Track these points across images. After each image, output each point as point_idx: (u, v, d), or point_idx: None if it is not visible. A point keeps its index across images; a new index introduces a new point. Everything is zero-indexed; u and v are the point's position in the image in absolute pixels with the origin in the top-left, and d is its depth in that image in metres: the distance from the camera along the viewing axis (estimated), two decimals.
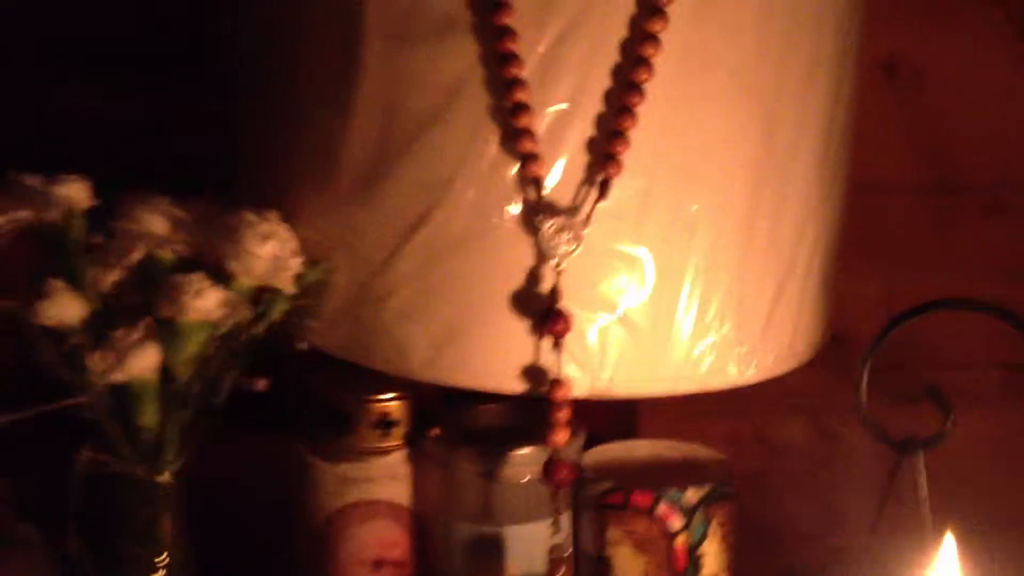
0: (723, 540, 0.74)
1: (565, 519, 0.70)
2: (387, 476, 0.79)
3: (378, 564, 0.80)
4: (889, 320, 0.74)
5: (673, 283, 0.69)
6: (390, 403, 0.79)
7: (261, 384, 0.72)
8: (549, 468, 0.68)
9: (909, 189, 0.99)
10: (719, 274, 0.69)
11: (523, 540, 0.74)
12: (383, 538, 0.79)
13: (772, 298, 0.72)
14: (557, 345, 0.67)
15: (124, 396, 0.66)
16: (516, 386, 0.69)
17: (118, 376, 0.64)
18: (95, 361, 0.64)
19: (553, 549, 0.69)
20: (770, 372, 0.73)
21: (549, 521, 0.70)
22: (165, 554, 0.69)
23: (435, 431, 0.78)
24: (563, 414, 0.67)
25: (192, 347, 0.65)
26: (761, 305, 0.72)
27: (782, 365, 0.74)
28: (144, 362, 0.64)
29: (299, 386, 0.86)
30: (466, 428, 0.77)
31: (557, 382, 0.67)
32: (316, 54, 0.70)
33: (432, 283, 0.68)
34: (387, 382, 0.79)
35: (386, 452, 0.79)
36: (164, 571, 0.68)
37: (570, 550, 0.69)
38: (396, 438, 0.79)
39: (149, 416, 0.66)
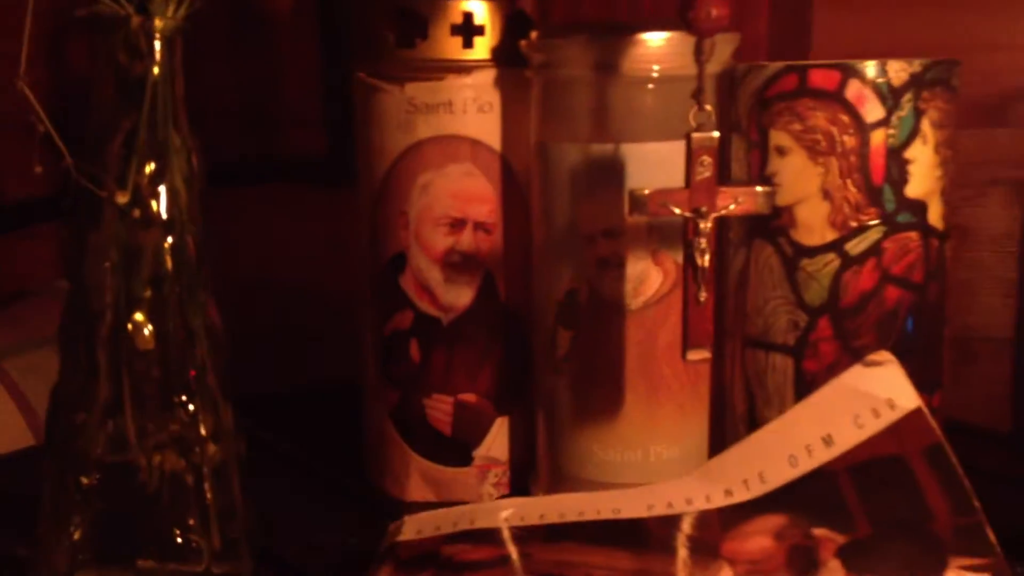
0: (938, 149, 0.52)
1: (710, 102, 0.49)
2: (470, 103, 0.59)
3: (457, 224, 0.60)
4: None
5: None
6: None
7: None
8: (691, 2, 0.47)
9: None
10: None
11: (648, 163, 0.54)
12: (465, 189, 0.60)
13: None
14: None
15: None
16: None
17: None
18: None
19: (697, 130, 0.48)
20: None
21: (682, 141, 0.49)
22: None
23: (535, 32, 0.57)
24: None
25: None
26: None
27: None
28: None
29: None
30: (576, 28, 0.57)
31: None
32: None
33: None
34: None
35: (468, 69, 0.59)
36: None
37: (716, 141, 0.48)
38: (482, 50, 0.59)
39: None
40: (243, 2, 0.93)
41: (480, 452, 0.61)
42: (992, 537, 0.42)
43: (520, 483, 0.62)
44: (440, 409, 0.61)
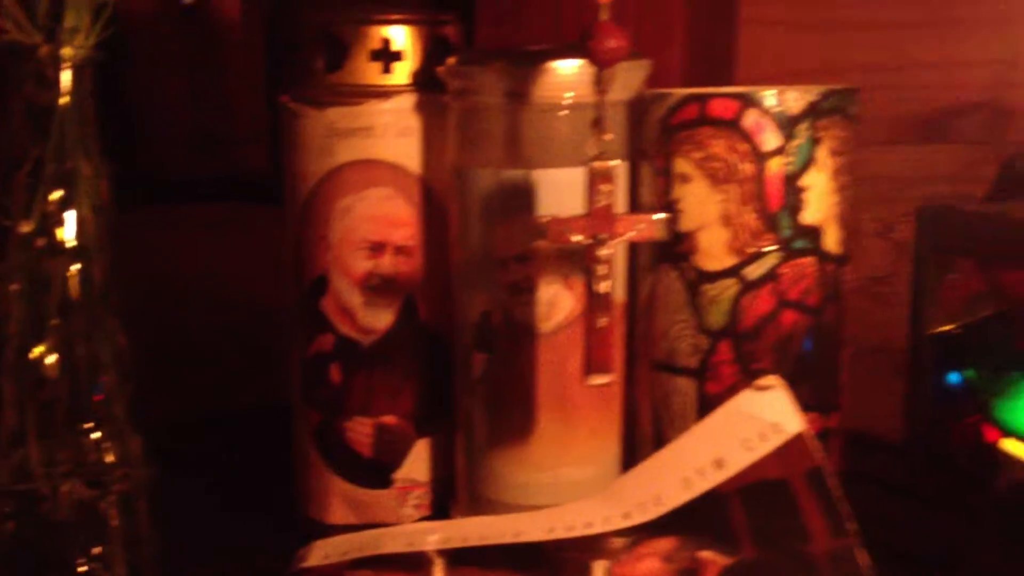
0: (834, 176, 0.53)
1: (612, 133, 0.50)
2: (390, 127, 0.60)
3: (377, 248, 0.61)
4: None
5: None
6: (393, 26, 0.60)
7: None
8: (589, 33, 0.48)
9: None
10: None
11: (559, 189, 0.55)
12: (385, 213, 0.61)
13: None
14: None
15: None
16: None
17: None
18: None
19: (596, 159, 0.49)
20: None
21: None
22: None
23: (451, 59, 0.58)
24: None
25: None
26: None
27: None
28: None
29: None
30: (491, 55, 0.58)
31: None
32: None
33: None
34: (391, 7, 0.61)
35: (388, 94, 0.60)
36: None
37: (615, 163, 0.49)
38: (401, 76, 0.60)
39: None
40: (195, 23, 0.94)
41: (400, 474, 0.62)
42: (862, 560, 0.43)
43: (442, 505, 0.62)
44: (360, 431, 0.62)
